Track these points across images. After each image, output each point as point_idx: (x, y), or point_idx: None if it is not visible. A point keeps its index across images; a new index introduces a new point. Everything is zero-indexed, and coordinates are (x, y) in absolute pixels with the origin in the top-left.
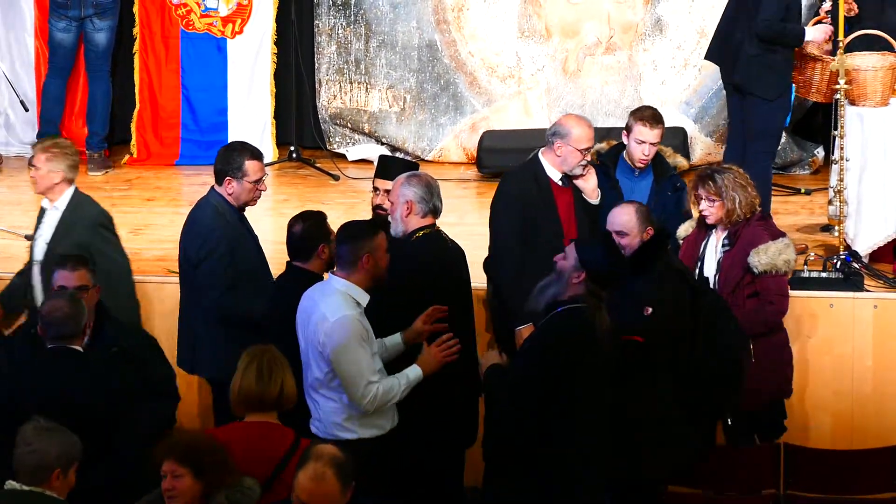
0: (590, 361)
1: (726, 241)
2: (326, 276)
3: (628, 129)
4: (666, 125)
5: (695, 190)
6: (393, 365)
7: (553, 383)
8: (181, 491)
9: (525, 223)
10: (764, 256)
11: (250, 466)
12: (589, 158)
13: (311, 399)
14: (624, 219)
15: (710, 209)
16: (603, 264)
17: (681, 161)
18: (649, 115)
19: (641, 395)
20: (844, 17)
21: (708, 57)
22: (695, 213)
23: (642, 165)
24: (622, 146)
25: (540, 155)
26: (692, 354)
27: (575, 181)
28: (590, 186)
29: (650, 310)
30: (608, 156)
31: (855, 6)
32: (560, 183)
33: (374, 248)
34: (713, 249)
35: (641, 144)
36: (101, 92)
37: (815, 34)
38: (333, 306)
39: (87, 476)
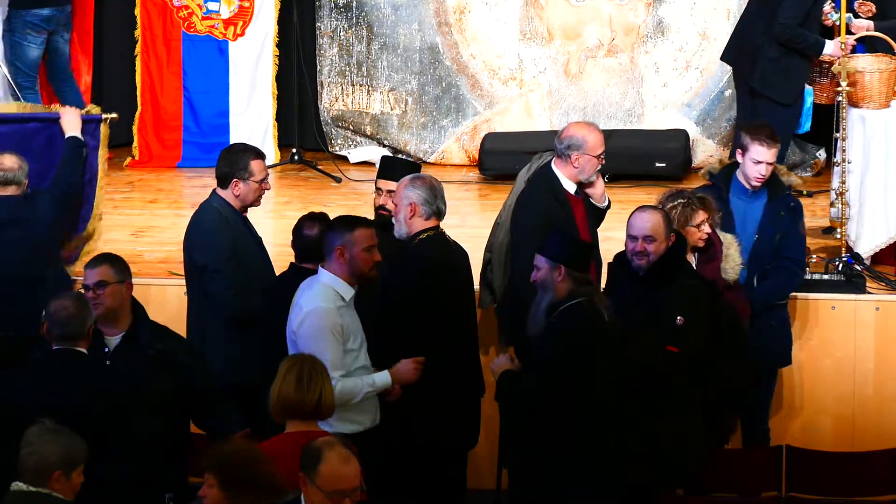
0: (605, 351)
1: (696, 256)
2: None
3: (744, 147)
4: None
5: (695, 216)
6: None
7: (577, 382)
8: (209, 500)
9: None
10: (733, 265)
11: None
12: (604, 162)
13: None
14: (652, 223)
15: (707, 230)
16: (567, 245)
17: (795, 179)
18: (767, 134)
19: (667, 404)
20: (861, 16)
21: (724, 58)
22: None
23: (758, 184)
24: (734, 165)
25: (553, 168)
26: (717, 354)
27: (584, 188)
28: (598, 192)
29: (682, 319)
30: (721, 177)
31: (873, 6)
32: (574, 194)
33: (348, 241)
34: None
35: (758, 164)
36: (74, 98)
37: (835, 50)
38: (311, 297)
39: (87, 478)
